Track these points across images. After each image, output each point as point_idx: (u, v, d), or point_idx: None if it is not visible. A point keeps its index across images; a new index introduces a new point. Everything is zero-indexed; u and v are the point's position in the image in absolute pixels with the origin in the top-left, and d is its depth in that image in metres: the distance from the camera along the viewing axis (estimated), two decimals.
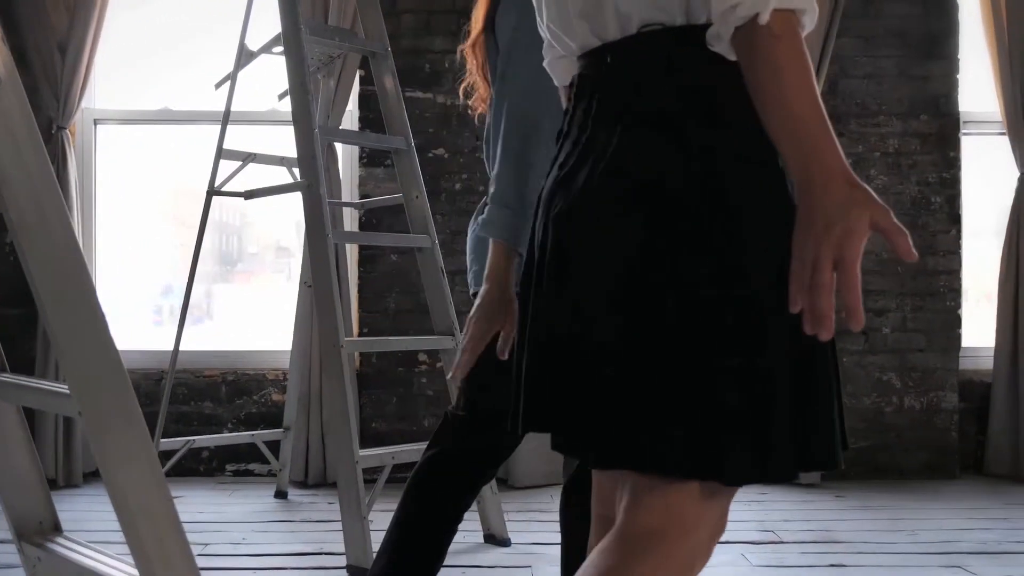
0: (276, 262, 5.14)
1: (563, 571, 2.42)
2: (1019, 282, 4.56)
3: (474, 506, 3.51)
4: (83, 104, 4.53)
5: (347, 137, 4.09)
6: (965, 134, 4.71)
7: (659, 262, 1.27)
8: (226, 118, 3.79)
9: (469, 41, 2.41)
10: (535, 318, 1.45)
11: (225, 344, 4.76)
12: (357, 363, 4.52)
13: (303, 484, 4.38)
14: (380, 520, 3.58)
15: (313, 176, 3.23)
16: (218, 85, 3.87)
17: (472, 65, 2.44)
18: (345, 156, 4.64)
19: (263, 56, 3.83)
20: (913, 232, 4.52)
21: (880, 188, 4.57)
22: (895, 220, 1.10)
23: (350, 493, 3.04)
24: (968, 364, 4.70)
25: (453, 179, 4.54)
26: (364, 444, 4.37)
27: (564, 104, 1.64)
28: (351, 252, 4.57)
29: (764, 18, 1.16)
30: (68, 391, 1.36)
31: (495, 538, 3.41)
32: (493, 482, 3.41)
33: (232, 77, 3.80)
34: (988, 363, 4.67)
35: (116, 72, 4.82)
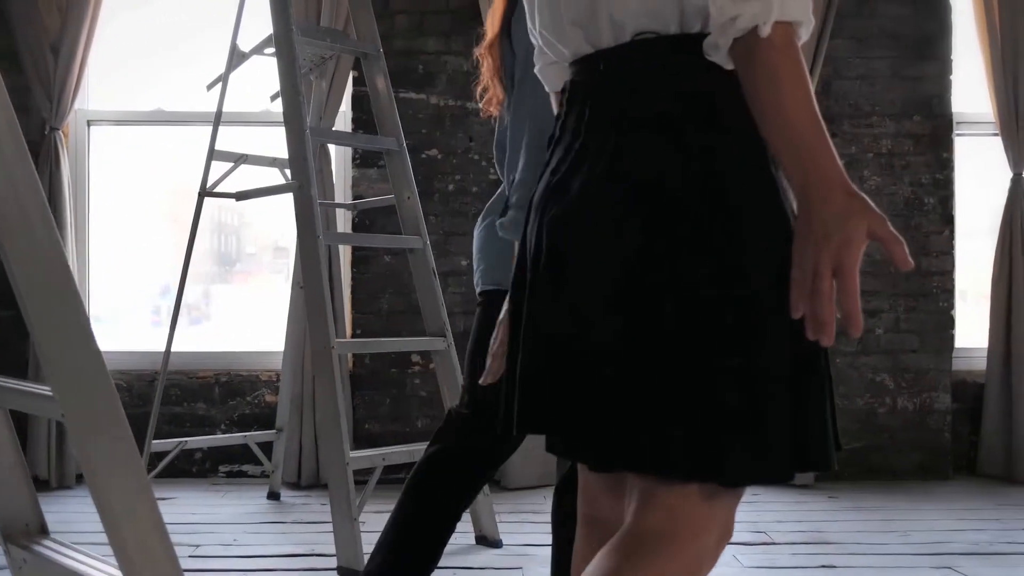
0: (274, 262, 5.13)
1: (553, 572, 2.42)
2: (1012, 283, 4.57)
3: None
4: (76, 105, 4.53)
5: (339, 138, 4.09)
6: (958, 135, 4.71)
7: (659, 263, 1.28)
8: (218, 119, 3.79)
9: (484, 44, 2.42)
10: (530, 321, 1.45)
11: (219, 345, 4.76)
12: (350, 364, 4.52)
13: (296, 485, 4.38)
14: (372, 521, 3.59)
15: (304, 177, 3.23)
16: (210, 86, 3.87)
17: (486, 68, 2.45)
18: (338, 157, 4.64)
19: (256, 57, 3.83)
20: (906, 233, 4.53)
21: (873, 189, 4.58)
22: (892, 229, 1.12)
23: (341, 494, 3.04)
24: (961, 365, 4.70)
25: (446, 180, 4.54)
26: (358, 445, 4.37)
27: (556, 110, 1.65)
28: (344, 253, 4.57)
29: (766, 31, 1.18)
30: (51, 394, 1.36)
31: (487, 539, 3.41)
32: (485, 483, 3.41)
33: (223, 78, 3.80)
34: (981, 364, 4.67)
35: (110, 73, 4.82)
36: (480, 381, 1.83)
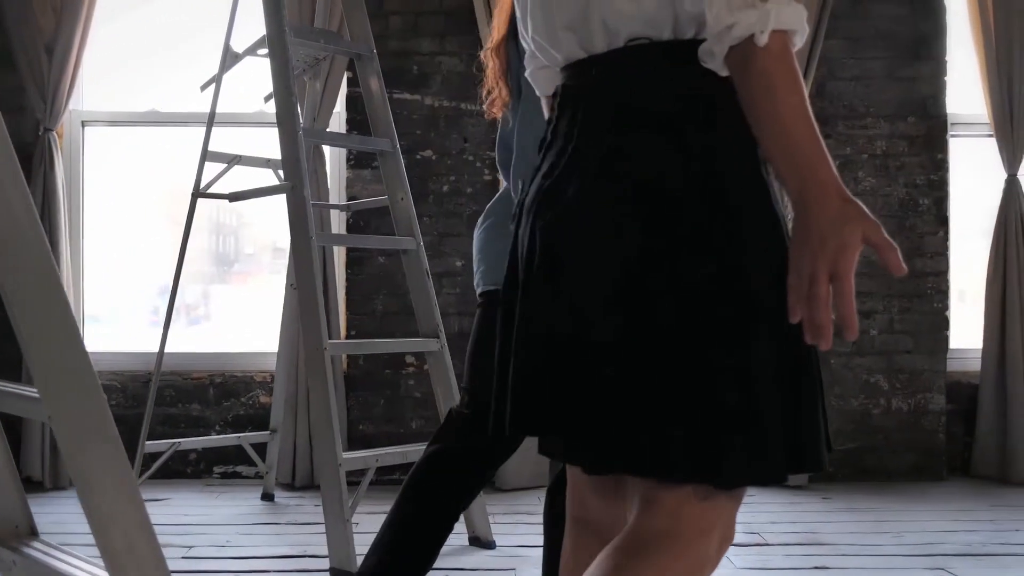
0: (273, 263, 5.13)
1: (545, 573, 2.42)
2: (1006, 283, 4.57)
3: None
4: (71, 106, 4.53)
5: (332, 139, 4.09)
6: (953, 136, 4.71)
7: (659, 262, 1.29)
8: (211, 120, 3.79)
9: (490, 45, 2.42)
10: (524, 322, 1.45)
11: (213, 346, 4.76)
12: (345, 365, 4.52)
13: (290, 486, 4.37)
14: (365, 523, 3.59)
15: (297, 178, 3.23)
16: (203, 87, 3.87)
17: (491, 69, 2.46)
18: (333, 158, 4.64)
19: (251, 58, 3.83)
20: (901, 234, 4.53)
21: (868, 190, 4.58)
22: (886, 235, 1.14)
23: (333, 495, 3.03)
24: (955, 366, 4.70)
25: (440, 181, 4.54)
26: (351, 446, 4.38)
27: (546, 114, 1.66)
28: (339, 254, 4.57)
29: (763, 40, 1.19)
30: (38, 395, 1.36)
31: (480, 540, 3.41)
32: None
33: (217, 79, 3.80)
34: (975, 364, 4.67)
35: (106, 74, 4.82)
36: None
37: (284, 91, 3.29)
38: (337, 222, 4.61)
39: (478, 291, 2.52)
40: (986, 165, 4.69)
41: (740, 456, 1.27)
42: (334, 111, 4.47)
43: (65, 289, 4.23)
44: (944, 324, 4.62)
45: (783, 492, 4.26)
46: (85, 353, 1.38)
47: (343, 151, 4.59)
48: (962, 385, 4.69)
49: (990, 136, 4.63)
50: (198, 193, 3.76)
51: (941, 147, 4.63)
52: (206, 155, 3.78)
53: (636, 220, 1.30)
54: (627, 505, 1.61)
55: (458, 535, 3.45)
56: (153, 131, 4.86)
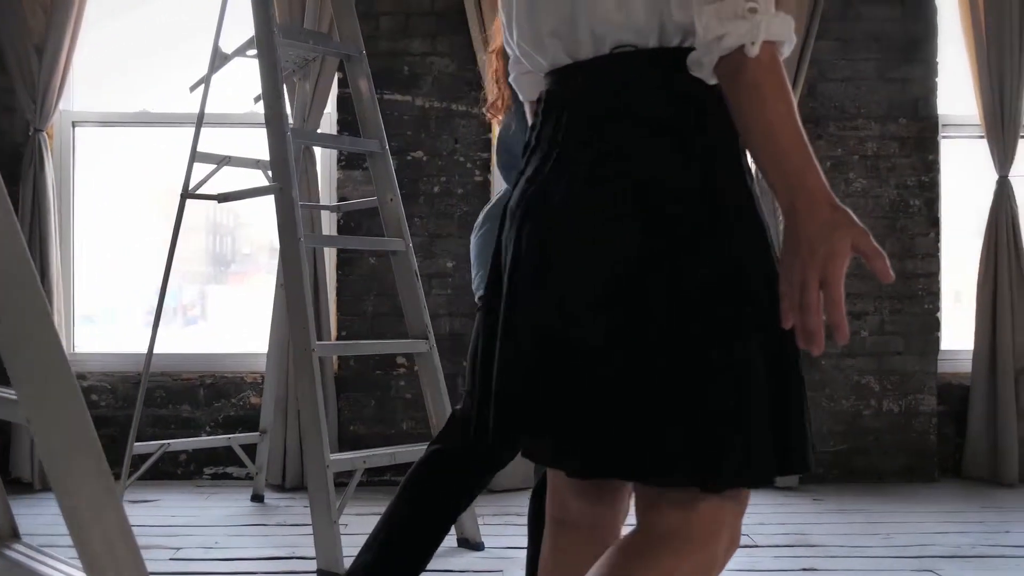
0: (270, 263, 5.13)
1: (528, 574, 2.42)
2: (997, 285, 4.57)
3: None
4: (61, 106, 4.52)
5: (321, 140, 4.08)
6: (944, 137, 4.71)
7: (659, 262, 1.29)
8: (200, 121, 3.78)
9: (492, 47, 2.42)
10: (510, 328, 1.45)
11: (203, 347, 4.75)
12: (335, 366, 4.51)
13: (280, 487, 4.37)
14: (354, 524, 3.59)
15: (285, 179, 3.22)
16: (192, 88, 3.86)
17: (493, 72, 2.46)
18: (324, 159, 4.64)
19: (243, 59, 3.82)
20: (892, 235, 4.53)
21: (859, 191, 4.58)
22: (874, 242, 1.17)
23: (321, 497, 3.03)
24: (947, 367, 4.70)
25: (431, 182, 4.53)
26: (343, 447, 4.37)
27: (529, 119, 1.67)
28: (329, 255, 4.56)
29: (754, 51, 1.21)
30: (15, 397, 1.35)
31: (468, 542, 3.40)
32: None
33: (206, 80, 3.80)
34: (966, 366, 4.67)
35: (95, 75, 4.81)
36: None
37: (272, 92, 3.29)
38: (328, 223, 4.60)
39: (477, 295, 2.52)
40: (977, 166, 4.69)
41: (739, 457, 1.27)
42: (325, 112, 4.47)
43: (54, 289, 4.21)
44: (935, 325, 4.62)
45: (773, 493, 4.26)
46: (63, 354, 1.38)
47: (334, 152, 4.59)
48: (953, 386, 4.69)
49: (981, 137, 4.63)
50: (187, 194, 3.75)
51: (932, 148, 4.63)
52: (195, 156, 3.77)
53: (636, 220, 1.31)
54: (608, 505, 1.61)
55: (447, 536, 3.45)
56: (145, 132, 4.85)
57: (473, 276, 2.56)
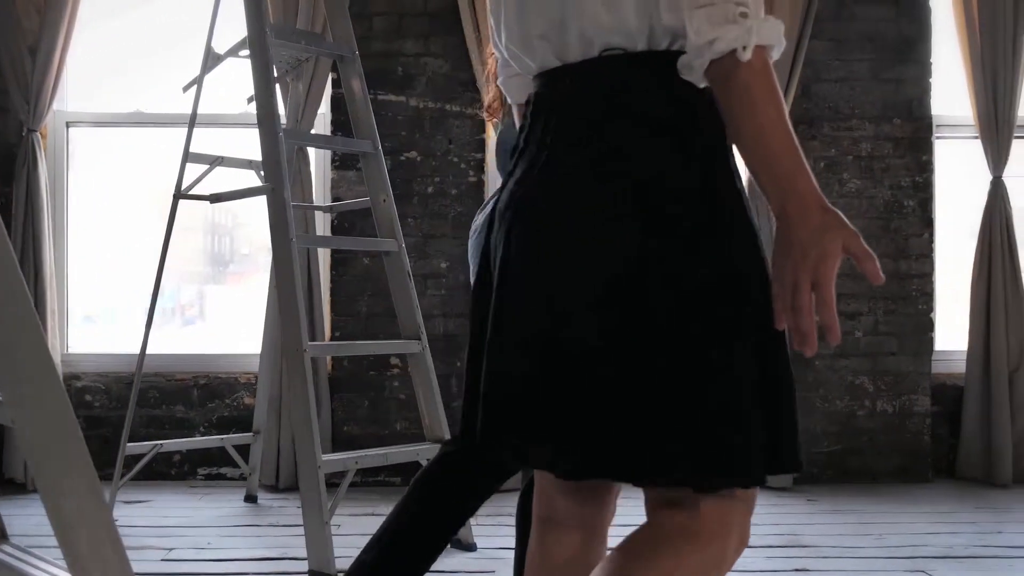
0: (269, 263, 5.12)
1: (516, 575, 2.41)
2: (991, 285, 4.57)
3: None
4: (55, 107, 4.52)
5: (314, 140, 4.08)
6: (938, 138, 4.72)
7: (659, 261, 1.30)
8: (192, 121, 3.78)
9: (490, 48, 2.42)
10: (501, 330, 1.44)
11: (197, 347, 4.75)
12: (329, 367, 4.51)
13: (274, 488, 4.36)
14: (347, 525, 3.59)
15: (278, 180, 3.22)
16: (186, 88, 3.86)
17: (489, 73, 2.45)
18: (318, 159, 4.63)
19: (237, 60, 3.81)
20: (886, 236, 4.53)
21: (853, 192, 4.58)
22: (864, 244, 1.18)
23: (312, 498, 3.02)
24: (941, 367, 4.70)
25: (425, 182, 4.53)
26: (336, 448, 4.37)
27: (518, 121, 1.68)
28: (323, 255, 4.56)
29: (747, 56, 1.22)
30: (0, 399, 1.35)
31: (460, 542, 3.40)
32: None
33: (199, 80, 3.79)
34: (961, 366, 4.67)
35: (89, 75, 4.81)
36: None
37: (265, 92, 3.28)
38: (322, 223, 4.60)
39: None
40: (971, 167, 4.69)
41: (739, 457, 1.28)
42: (319, 112, 4.47)
43: (48, 290, 4.20)
44: (929, 326, 4.62)
45: (767, 494, 4.26)
46: (49, 356, 1.38)
47: (328, 152, 4.59)
48: (947, 387, 4.69)
49: (975, 138, 4.63)
50: (180, 194, 3.75)
51: (926, 149, 4.64)
52: (187, 156, 3.77)
53: (636, 220, 1.31)
54: (596, 505, 1.61)
55: None
56: (139, 132, 4.85)
57: (471, 275, 2.55)
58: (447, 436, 3.40)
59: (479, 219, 2.63)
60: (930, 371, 4.61)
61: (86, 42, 4.63)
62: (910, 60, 4.62)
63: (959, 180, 4.83)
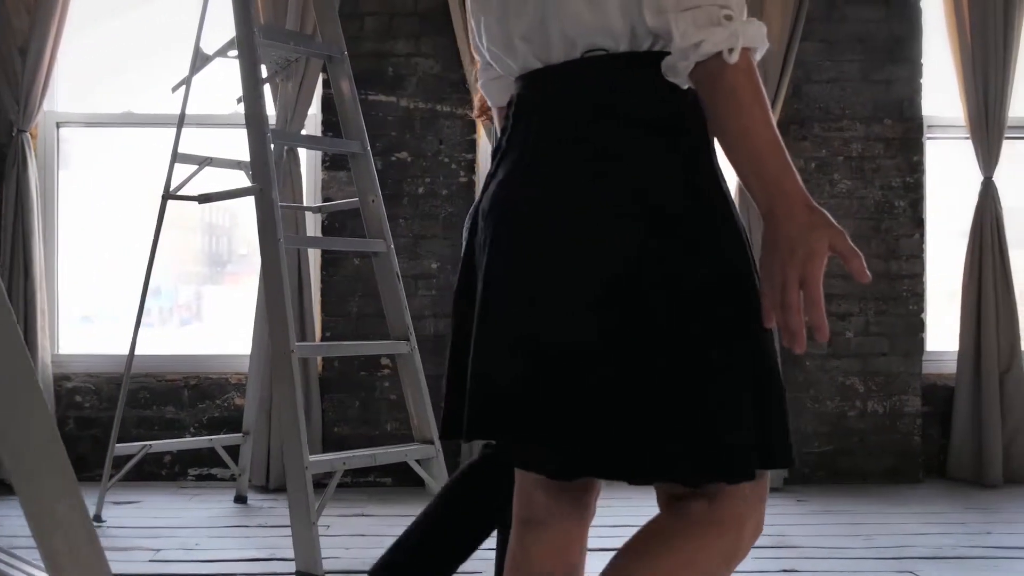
0: None
1: (497, 573, 2.39)
2: (982, 286, 4.57)
3: None
4: (45, 107, 4.51)
5: (302, 141, 4.08)
6: (929, 138, 4.72)
7: (660, 261, 1.31)
8: (181, 122, 3.78)
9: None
10: (488, 330, 1.44)
11: (188, 348, 4.75)
12: (320, 367, 4.51)
13: (264, 488, 4.36)
14: (337, 526, 3.58)
15: (265, 180, 3.21)
16: (175, 88, 3.86)
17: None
18: (309, 160, 4.63)
19: (230, 61, 3.81)
20: (876, 236, 4.54)
21: (843, 192, 4.58)
22: (850, 243, 1.20)
23: (300, 499, 3.02)
24: (931, 368, 4.70)
25: (416, 183, 4.53)
26: (327, 448, 4.36)
27: (498, 125, 1.68)
28: (314, 256, 4.56)
29: (734, 58, 1.24)
30: None
31: None
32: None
33: (187, 81, 3.79)
34: (951, 367, 4.67)
35: (81, 76, 4.81)
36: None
37: (252, 93, 3.28)
38: (313, 224, 4.59)
39: None
40: (962, 167, 4.69)
41: (737, 456, 1.29)
42: (310, 112, 4.46)
43: (38, 290, 4.19)
44: (920, 326, 4.62)
45: None
46: (26, 355, 1.38)
47: (319, 153, 4.58)
48: (938, 387, 4.69)
49: (966, 139, 4.64)
50: (168, 195, 3.75)
51: (917, 149, 4.64)
52: (176, 157, 3.77)
53: (635, 220, 1.32)
54: (577, 505, 1.61)
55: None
56: (132, 133, 4.85)
57: None
58: (436, 437, 3.40)
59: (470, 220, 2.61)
60: (921, 372, 4.62)
61: (77, 42, 4.63)
62: (901, 61, 4.62)
63: (950, 180, 4.83)
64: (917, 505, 4.11)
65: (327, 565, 3.12)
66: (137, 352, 3.81)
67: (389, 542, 3.22)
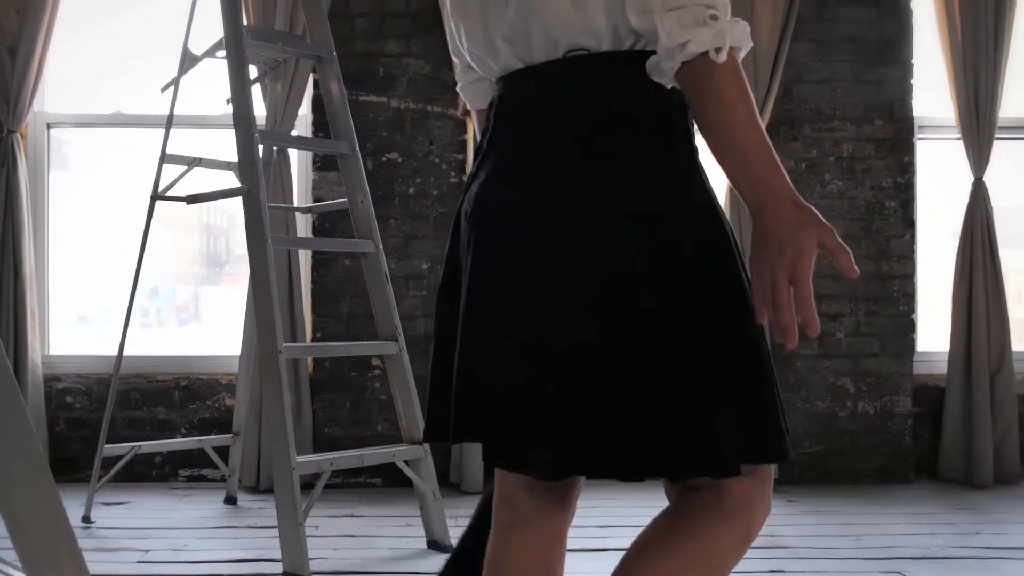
0: None
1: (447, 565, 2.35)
2: (972, 286, 4.57)
3: (417, 512, 3.51)
4: (35, 107, 4.51)
5: (290, 141, 4.08)
6: (919, 139, 4.72)
7: (660, 261, 1.31)
8: (169, 122, 3.78)
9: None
10: (475, 330, 1.44)
11: (178, 349, 4.75)
12: (310, 368, 4.50)
13: (255, 489, 4.36)
14: (325, 526, 3.58)
15: (253, 181, 3.21)
16: (164, 89, 3.85)
17: None
18: (300, 160, 4.63)
19: (220, 62, 3.80)
20: (867, 237, 4.54)
21: (834, 193, 4.58)
22: (838, 239, 1.21)
23: (287, 500, 3.02)
24: (922, 368, 4.70)
25: (407, 183, 4.52)
26: (317, 449, 4.36)
27: (478, 127, 1.68)
28: (304, 256, 4.55)
29: (721, 57, 1.25)
30: None
31: (438, 544, 3.39)
32: (436, 487, 3.40)
33: (175, 81, 3.79)
34: (942, 367, 4.67)
35: (71, 76, 4.80)
36: None
37: (240, 93, 3.28)
38: (304, 224, 4.59)
39: None
40: (953, 168, 4.70)
41: (735, 455, 1.31)
42: (300, 113, 4.46)
43: (28, 291, 4.18)
44: (910, 327, 4.62)
45: None
46: (4, 358, 1.38)
47: (310, 153, 4.58)
48: (928, 388, 4.69)
49: (957, 139, 4.63)
50: (156, 195, 3.74)
51: (908, 150, 4.64)
52: (164, 157, 3.77)
53: (633, 220, 1.32)
54: (559, 504, 1.61)
55: (416, 539, 3.45)
56: (122, 133, 4.85)
57: None
58: None
59: None
60: (911, 372, 4.62)
61: (66, 43, 4.62)
62: (891, 61, 4.62)
63: (941, 181, 4.83)
64: (907, 505, 4.11)
65: (315, 566, 3.12)
66: (128, 353, 3.81)
67: (378, 543, 3.24)
